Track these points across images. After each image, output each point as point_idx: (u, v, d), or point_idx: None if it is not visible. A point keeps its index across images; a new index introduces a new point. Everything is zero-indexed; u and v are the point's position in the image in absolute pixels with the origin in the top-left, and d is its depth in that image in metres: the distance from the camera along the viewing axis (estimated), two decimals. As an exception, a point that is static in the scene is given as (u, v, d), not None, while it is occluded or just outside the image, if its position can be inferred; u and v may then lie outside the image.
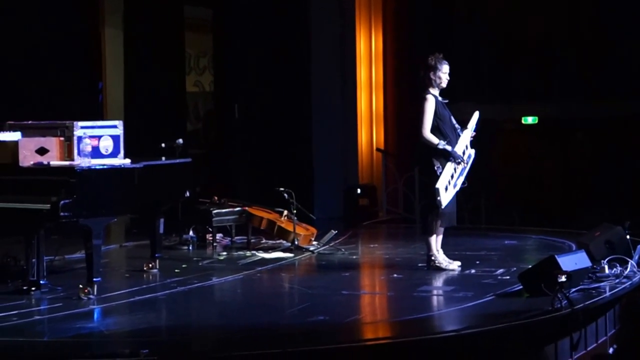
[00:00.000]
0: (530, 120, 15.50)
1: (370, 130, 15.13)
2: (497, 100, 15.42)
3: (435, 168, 8.82)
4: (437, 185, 8.69)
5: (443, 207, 8.76)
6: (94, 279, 7.73)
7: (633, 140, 14.49)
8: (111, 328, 6.98)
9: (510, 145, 15.69)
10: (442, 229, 9.03)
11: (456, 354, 6.46)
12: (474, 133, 9.05)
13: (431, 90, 8.96)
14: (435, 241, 9.04)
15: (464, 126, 9.02)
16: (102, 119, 13.56)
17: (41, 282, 7.98)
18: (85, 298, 7.69)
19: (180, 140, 10.35)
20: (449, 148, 8.78)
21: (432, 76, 8.93)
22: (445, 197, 8.74)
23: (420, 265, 9.23)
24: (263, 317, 7.26)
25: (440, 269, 8.97)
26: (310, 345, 6.29)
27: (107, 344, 6.52)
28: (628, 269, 8.39)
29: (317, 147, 14.31)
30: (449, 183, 8.76)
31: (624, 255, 8.57)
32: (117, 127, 8.12)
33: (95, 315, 7.38)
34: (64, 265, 9.27)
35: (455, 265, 9.04)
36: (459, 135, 8.94)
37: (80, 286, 7.76)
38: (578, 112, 15.10)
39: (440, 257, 9.06)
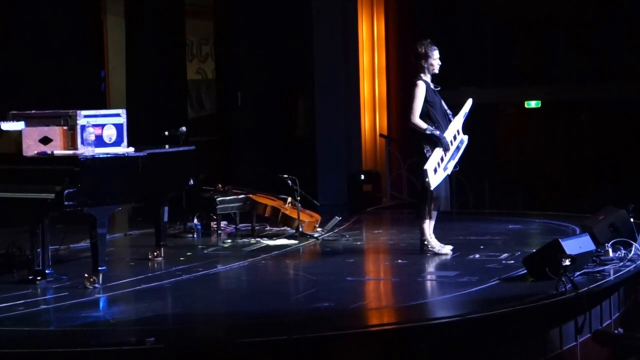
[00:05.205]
0: (533, 104, 15.49)
1: (373, 116, 15.12)
2: (500, 84, 15.43)
3: (425, 151, 8.89)
4: (425, 167, 8.78)
5: (432, 188, 8.82)
6: (99, 268, 7.74)
7: (636, 123, 14.48)
8: (117, 317, 6.99)
9: (514, 129, 15.69)
10: (435, 214, 9.06)
11: (461, 339, 6.47)
12: (464, 119, 9.09)
13: (422, 76, 9.02)
14: (429, 226, 9.07)
15: (456, 111, 9.07)
16: (105, 107, 13.59)
17: (47, 271, 7.99)
18: (91, 287, 7.70)
19: (184, 128, 10.36)
20: (437, 133, 8.86)
21: (423, 63, 8.99)
22: (435, 179, 8.80)
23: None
24: (268, 304, 7.27)
25: (434, 254, 9.01)
26: (316, 331, 6.30)
27: (113, 332, 6.53)
28: (632, 252, 8.39)
29: (321, 134, 14.32)
30: (438, 165, 8.83)
31: (628, 239, 8.57)
32: (121, 116, 8.11)
33: (101, 304, 7.39)
34: (69, 255, 9.30)
35: (448, 249, 9.07)
36: (450, 121, 9.02)
37: (86, 275, 7.77)
38: (581, 96, 15.09)
39: (433, 242, 9.08)
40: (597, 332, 7.11)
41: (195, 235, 10.69)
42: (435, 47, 9.03)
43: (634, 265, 8.12)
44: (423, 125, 8.89)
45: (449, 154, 8.91)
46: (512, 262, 8.57)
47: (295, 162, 13.08)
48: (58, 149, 7.74)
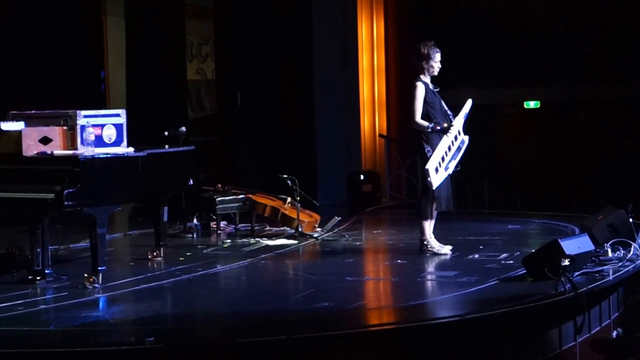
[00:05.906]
0: (532, 104, 15.50)
1: (372, 116, 15.13)
2: (499, 85, 15.44)
3: (426, 151, 8.90)
4: (427, 167, 8.78)
5: (434, 187, 8.82)
6: (99, 268, 7.75)
7: (636, 123, 14.48)
8: (117, 316, 7.00)
9: (513, 129, 15.69)
10: (435, 214, 9.07)
11: (460, 339, 6.48)
12: (464, 119, 9.09)
13: (422, 77, 9.04)
14: (429, 226, 9.08)
15: (456, 112, 9.08)
16: (105, 107, 13.59)
17: (46, 271, 8.00)
18: (91, 287, 7.71)
19: (183, 128, 10.37)
20: (438, 128, 8.88)
21: (424, 65, 9.01)
22: (436, 179, 8.81)
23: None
24: (268, 303, 7.28)
25: (433, 254, 9.02)
26: (315, 331, 6.30)
27: (113, 332, 6.54)
28: (631, 252, 8.39)
29: (320, 134, 14.33)
30: (439, 165, 8.83)
31: (627, 239, 8.58)
32: (120, 116, 8.12)
33: (101, 304, 7.40)
34: (68, 255, 9.30)
35: (447, 249, 9.08)
36: (451, 121, 9.02)
37: (85, 275, 7.78)
38: (580, 96, 15.09)
39: (433, 242, 9.10)
40: (595, 339, 7.11)
41: (194, 235, 10.69)
42: (438, 50, 9.04)
43: (632, 266, 8.13)
44: (425, 123, 8.91)
45: (450, 153, 8.91)
46: (512, 262, 8.58)
47: (295, 162, 13.09)
48: (58, 149, 7.74)
